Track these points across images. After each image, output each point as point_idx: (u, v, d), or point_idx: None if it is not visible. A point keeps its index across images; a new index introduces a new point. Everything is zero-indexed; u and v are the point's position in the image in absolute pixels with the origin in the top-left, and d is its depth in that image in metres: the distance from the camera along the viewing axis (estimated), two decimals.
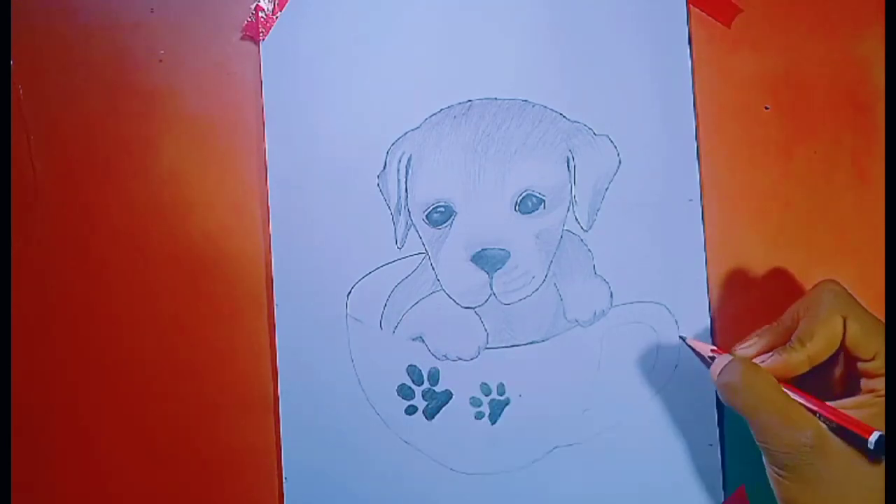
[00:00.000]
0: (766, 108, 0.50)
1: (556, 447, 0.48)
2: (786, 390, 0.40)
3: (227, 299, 0.48)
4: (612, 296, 0.48)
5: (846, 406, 0.39)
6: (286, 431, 0.47)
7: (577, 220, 0.48)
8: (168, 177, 0.49)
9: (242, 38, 0.49)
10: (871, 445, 0.37)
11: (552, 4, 0.49)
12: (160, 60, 0.49)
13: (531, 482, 0.48)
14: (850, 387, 0.41)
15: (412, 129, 0.48)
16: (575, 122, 0.49)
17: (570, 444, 0.48)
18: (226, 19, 0.49)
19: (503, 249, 0.48)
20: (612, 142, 0.49)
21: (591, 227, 0.48)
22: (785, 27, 0.50)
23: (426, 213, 0.48)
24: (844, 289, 0.41)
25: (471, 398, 0.48)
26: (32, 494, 0.47)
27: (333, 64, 0.49)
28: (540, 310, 0.48)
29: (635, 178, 0.49)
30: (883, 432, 0.37)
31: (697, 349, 0.46)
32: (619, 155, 0.49)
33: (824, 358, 0.40)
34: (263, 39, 0.49)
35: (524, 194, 0.48)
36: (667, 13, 0.49)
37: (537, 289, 0.48)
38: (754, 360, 0.41)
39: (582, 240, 0.48)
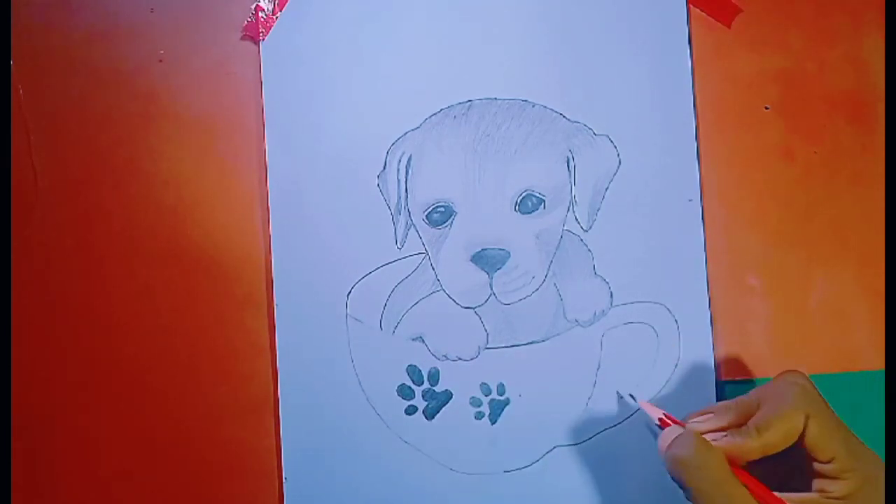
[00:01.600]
0: (766, 108, 0.50)
1: (556, 447, 0.48)
2: (738, 474, 0.38)
3: (227, 299, 0.48)
4: (612, 296, 0.48)
5: (793, 500, 0.38)
6: (286, 431, 0.47)
7: (577, 220, 0.48)
8: (168, 177, 0.49)
9: (242, 38, 0.49)
10: None
11: (552, 5, 0.49)
12: (160, 60, 0.49)
13: (531, 482, 0.48)
14: (802, 480, 0.39)
15: (412, 129, 0.48)
16: (575, 122, 0.49)
17: (570, 444, 0.48)
18: (226, 19, 0.49)
19: (503, 249, 0.48)
20: (612, 142, 0.49)
21: (591, 227, 0.48)
22: (785, 27, 0.50)
23: (426, 213, 0.48)
24: (812, 384, 0.40)
25: (471, 398, 0.48)
26: (32, 495, 0.47)
27: (333, 64, 0.49)
28: (540, 310, 0.48)
29: (635, 178, 0.49)
30: None
31: (648, 412, 0.44)
32: (619, 155, 0.49)
33: (779, 450, 0.38)
34: (263, 39, 0.49)
35: (524, 194, 0.48)
36: (667, 13, 0.49)
37: (537, 289, 0.48)
38: (706, 437, 0.39)
39: (582, 240, 0.48)
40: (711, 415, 0.40)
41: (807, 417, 0.38)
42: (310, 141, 0.48)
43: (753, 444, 0.38)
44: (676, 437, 0.40)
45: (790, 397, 0.39)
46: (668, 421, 0.42)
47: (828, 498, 0.38)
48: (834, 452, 0.38)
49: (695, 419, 0.41)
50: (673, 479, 0.39)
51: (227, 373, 0.48)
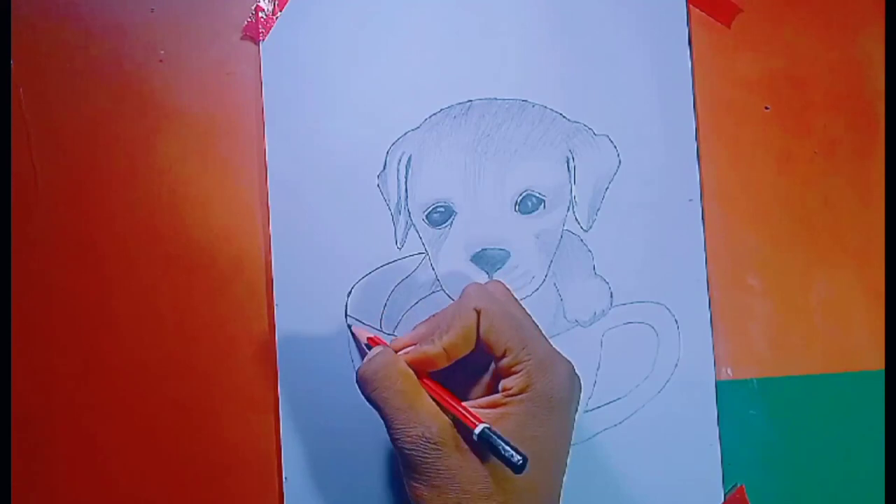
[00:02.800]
0: (766, 109, 0.50)
1: None
2: (425, 384, 0.38)
3: (228, 299, 0.48)
4: (612, 296, 0.48)
5: (481, 405, 0.38)
6: (286, 431, 0.47)
7: (577, 220, 0.48)
8: (168, 177, 0.49)
9: (242, 38, 0.49)
10: (475, 437, 0.36)
11: (552, 4, 0.49)
12: (160, 60, 0.49)
13: None
14: (496, 387, 0.39)
15: (412, 129, 0.48)
16: (575, 122, 0.49)
17: (571, 444, 0.48)
18: (226, 19, 0.49)
19: (503, 249, 0.48)
20: (612, 142, 0.49)
21: (591, 227, 0.48)
22: (785, 27, 0.50)
23: (426, 213, 0.48)
24: (483, 286, 0.40)
25: None
26: (32, 494, 0.47)
27: (333, 64, 0.49)
28: (540, 310, 0.48)
29: (635, 178, 0.49)
30: (488, 426, 0.35)
31: (357, 336, 0.43)
32: (619, 155, 0.49)
33: (463, 352, 0.38)
34: (263, 39, 0.49)
35: (524, 194, 0.48)
36: (667, 13, 0.49)
37: (537, 289, 0.48)
38: (399, 353, 0.40)
39: (582, 240, 0.48)
40: (412, 330, 0.41)
41: (477, 313, 0.38)
42: (310, 141, 0.48)
43: (436, 349, 0.38)
44: (372, 356, 0.40)
45: (460, 299, 0.39)
46: (376, 341, 0.42)
47: (508, 396, 0.37)
48: (505, 344, 0.38)
49: (396, 339, 0.41)
50: (365, 398, 0.39)
51: (227, 373, 0.48)
